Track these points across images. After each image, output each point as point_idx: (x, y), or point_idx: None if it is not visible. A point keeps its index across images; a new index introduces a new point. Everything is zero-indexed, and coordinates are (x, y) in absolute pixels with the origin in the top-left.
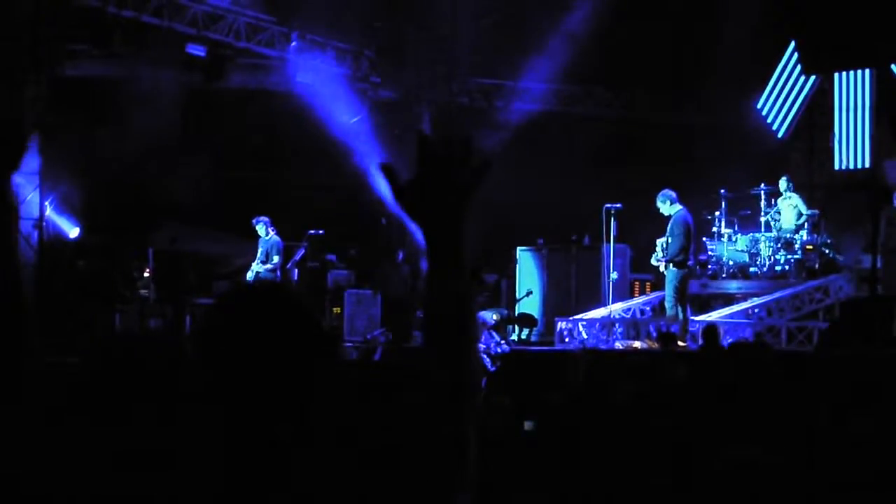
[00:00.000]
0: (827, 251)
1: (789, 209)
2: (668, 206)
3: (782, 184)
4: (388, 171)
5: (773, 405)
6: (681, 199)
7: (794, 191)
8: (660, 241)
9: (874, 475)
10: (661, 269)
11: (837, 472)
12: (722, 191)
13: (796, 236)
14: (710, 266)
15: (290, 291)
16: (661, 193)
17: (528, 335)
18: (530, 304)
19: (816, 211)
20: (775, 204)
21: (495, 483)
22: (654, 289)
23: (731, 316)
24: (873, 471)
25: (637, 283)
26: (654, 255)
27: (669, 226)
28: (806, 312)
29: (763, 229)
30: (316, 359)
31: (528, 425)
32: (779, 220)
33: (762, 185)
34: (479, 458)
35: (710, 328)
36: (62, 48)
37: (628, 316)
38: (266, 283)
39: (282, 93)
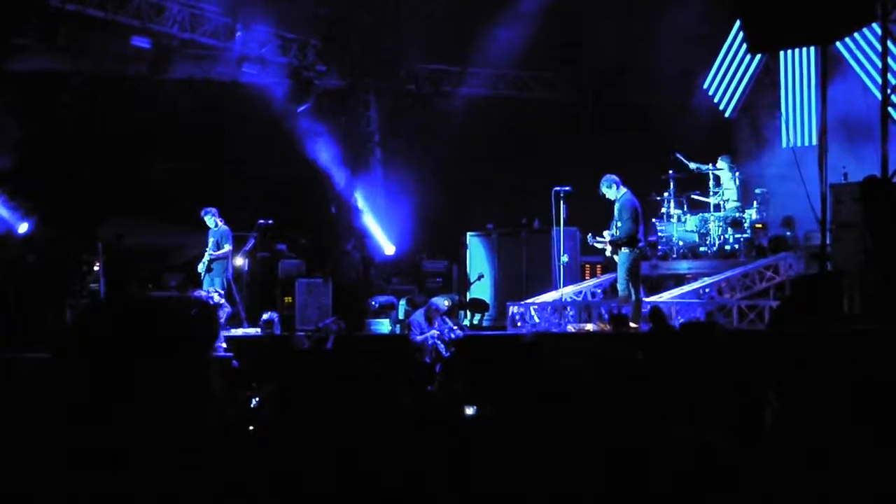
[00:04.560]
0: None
1: (732, 188)
2: (613, 190)
3: (722, 163)
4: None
5: (723, 384)
6: (625, 182)
7: (735, 169)
8: (608, 234)
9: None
10: (608, 252)
11: (785, 451)
12: (670, 172)
13: (745, 215)
14: (660, 247)
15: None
16: (604, 178)
17: (480, 320)
18: (482, 289)
19: (764, 189)
20: (720, 185)
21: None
22: (605, 271)
23: (682, 296)
24: (821, 451)
25: (588, 265)
26: (595, 239)
27: (616, 210)
28: (757, 291)
29: (712, 209)
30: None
31: (470, 410)
32: (726, 200)
33: (710, 165)
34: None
35: (656, 310)
36: (6, 42)
37: (580, 299)
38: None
39: (228, 83)
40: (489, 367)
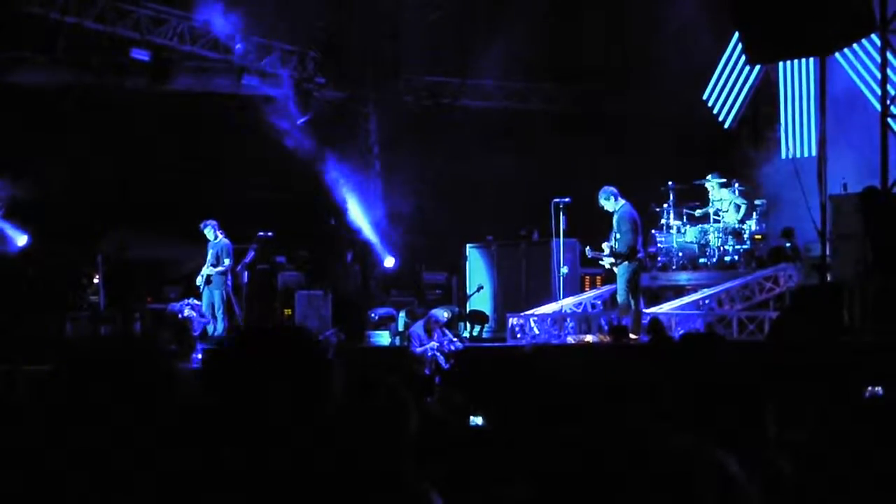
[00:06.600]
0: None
1: (727, 204)
2: (611, 202)
3: (710, 182)
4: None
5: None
6: (623, 194)
7: (726, 185)
8: (606, 245)
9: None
10: (607, 265)
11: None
12: (669, 183)
13: (744, 226)
14: (659, 258)
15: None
16: (602, 190)
17: (480, 332)
18: (481, 301)
19: (764, 201)
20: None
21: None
22: (604, 282)
23: (681, 307)
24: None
25: (588, 277)
26: (594, 252)
27: (615, 222)
28: (756, 302)
29: (711, 220)
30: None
31: (475, 421)
32: (724, 214)
33: (709, 177)
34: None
35: (655, 321)
36: (6, 55)
37: (579, 310)
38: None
39: (227, 95)
40: (489, 379)
